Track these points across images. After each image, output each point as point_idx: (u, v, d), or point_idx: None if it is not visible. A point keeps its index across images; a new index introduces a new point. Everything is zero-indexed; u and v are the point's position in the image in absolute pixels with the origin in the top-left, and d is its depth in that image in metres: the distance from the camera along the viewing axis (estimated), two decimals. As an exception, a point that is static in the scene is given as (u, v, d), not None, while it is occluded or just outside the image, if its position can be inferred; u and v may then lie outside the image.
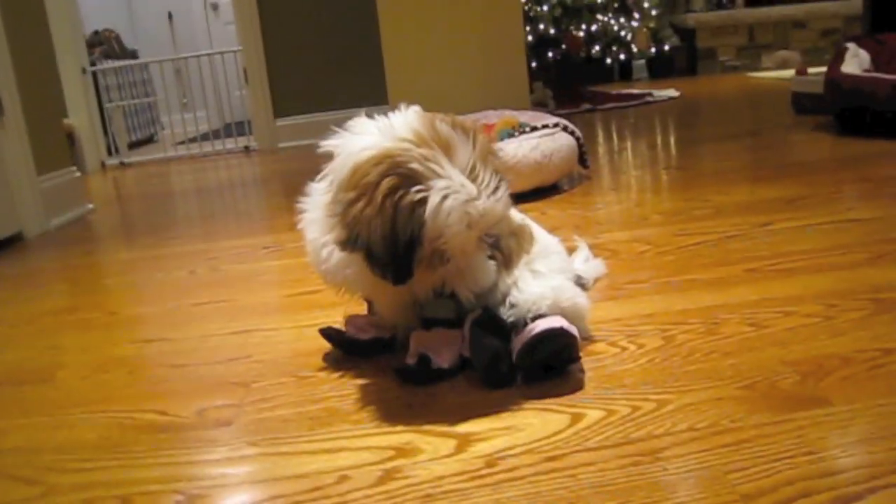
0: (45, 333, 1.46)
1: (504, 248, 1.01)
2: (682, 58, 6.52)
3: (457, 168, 0.89)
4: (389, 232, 0.87)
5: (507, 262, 1.02)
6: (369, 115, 0.99)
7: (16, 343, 1.42)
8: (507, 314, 1.01)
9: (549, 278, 1.04)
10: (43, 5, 2.86)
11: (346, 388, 1.03)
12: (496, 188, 0.91)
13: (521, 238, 1.06)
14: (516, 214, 1.11)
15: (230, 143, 4.64)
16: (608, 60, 5.01)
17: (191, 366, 1.19)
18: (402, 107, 0.98)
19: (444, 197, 0.87)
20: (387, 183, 0.87)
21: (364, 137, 0.94)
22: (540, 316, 0.99)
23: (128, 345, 1.33)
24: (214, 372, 1.16)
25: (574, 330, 0.97)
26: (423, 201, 0.87)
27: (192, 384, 1.12)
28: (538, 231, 1.13)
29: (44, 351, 1.36)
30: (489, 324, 1.01)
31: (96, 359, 1.28)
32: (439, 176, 0.88)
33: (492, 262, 0.99)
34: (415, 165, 0.88)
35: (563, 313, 1.00)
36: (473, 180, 0.90)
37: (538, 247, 1.08)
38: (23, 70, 2.54)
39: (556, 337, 0.95)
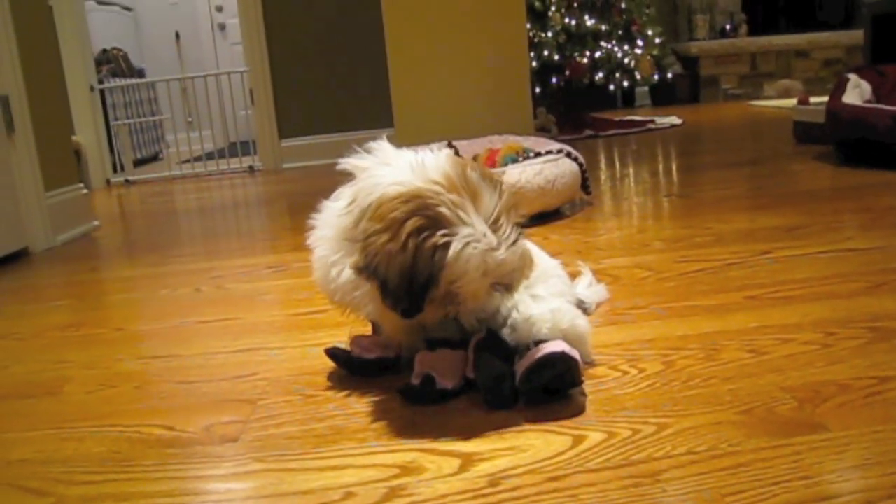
0: (51, 348, 1.48)
1: None
2: (685, 86, 6.58)
3: (481, 217, 0.92)
4: (409, 270, 0.90)
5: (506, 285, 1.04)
6: (390, 139, 1.03)
7: (23, 357, 1.44)
8: (508, 337, 1.03)
9: (548, 301, 1.06)
10: (53, 23, 2.91)
11: (351, 407, 1.05)
12: (515, 240, 0.94)
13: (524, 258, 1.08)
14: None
15: (234, 163, 4.67)
16: (611, 87, 5.04)
17: (197, 382, 1.21)
18: (435, 147, 1.01)
19: (467, 244, 0.91)
20: (413, 222, 0.90)
21: (396, 171, 0.96)
22: (542, 340, 1.01)
23: (134, 361, 1.35)
24: (220, 389, 1.17)
25: (576, 354, 0.99)
26: (446, 246, 0.90)
27: (198, 400, 1.14)
28: (538, 254, 1.15)
29: (51, 365, 1.37)
30: (493, 346, 1.02)
31: (103, 374, 1.29)
32: (464, 223, 0.91)
33: (496, 291, 1.01)
34: (443, 210, 0.91)
35: (564, 336, 1.02)
36: (495, 231, 0.93)
37: (538, 270, 1.10)
38: (33, 87, 2.58)
39: (558, 362, 0.97)
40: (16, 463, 0.98)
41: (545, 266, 1.15)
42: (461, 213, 0.92)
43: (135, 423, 1.07)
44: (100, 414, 1.12)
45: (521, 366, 0.98)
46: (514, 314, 1.04)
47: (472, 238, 0.91)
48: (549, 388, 0.99)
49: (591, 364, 1.12)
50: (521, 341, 1.02)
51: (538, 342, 1.01)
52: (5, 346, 1.52)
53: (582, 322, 1.08)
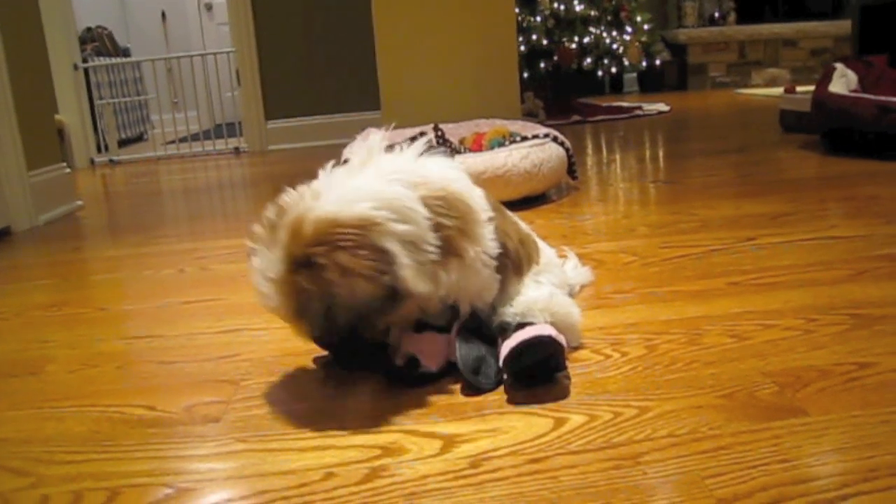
0: (33, 327, 1.47)
1: (513, 253, 1.04)
2: (673, 72, 6.58)
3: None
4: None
5: (516, 268, 1.05)
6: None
7: (5, 336, 1.43)
8: (508, 315, 1.04)
9: (546, 287, 1.08)
10: (36, 0, 2.87)
11: (334, 388, 1.05)
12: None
13: (529, 246, 1.09)
14: (522, 224, 1.14)
15: (220, 144, 4.64)
16: (600, 73, 5.04)
17: (179, 363, 1.21)
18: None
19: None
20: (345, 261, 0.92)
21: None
22: (529, 323, 1.01)
23: (117, 340, 1.34)
24: (203, 369, 1.17)
25: (562, 339, 0.99)
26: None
27: (180, 381, 1.13)
28: (541, 243, 1.17)
29: (32, 344, 1.36)
30: (475, 329, 1.03)
31: (85, 353, 1.29)
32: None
33: (497, 277, 1.02)
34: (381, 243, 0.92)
35: (556, 321, 1.02)
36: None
37: (544, 260, 1.12)
38: (15, 65, 2.55)
39: (544, 345, 0.97)
40: (-5, 441, 0.98)
41: (548, 255, 1.18)
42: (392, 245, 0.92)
43: (116, 402, 1.07)
44: (81, 394, 1.11)
45: (506, 346, 0.98)
46: (519, 296, 1.05)
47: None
48: (534, 371, 0.99)
49: (575, 348, 1.12)
50: (510, 323, 1.03)
51: (525, 324, 1.01)
52: (-14, 325, 1.51)
53: (575, 311, 1.10)
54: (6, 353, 1.33)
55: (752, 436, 0.85)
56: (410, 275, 0.91)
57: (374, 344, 1.02)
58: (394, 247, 0.90)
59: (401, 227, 0.92)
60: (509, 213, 1.14)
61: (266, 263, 0.95)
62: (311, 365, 1.14)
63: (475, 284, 1.01)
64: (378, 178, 0.97)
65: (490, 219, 1.02)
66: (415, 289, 0.91)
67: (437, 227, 0.95)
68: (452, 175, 1.03)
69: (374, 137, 1.05)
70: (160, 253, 2.01)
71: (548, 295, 1.06)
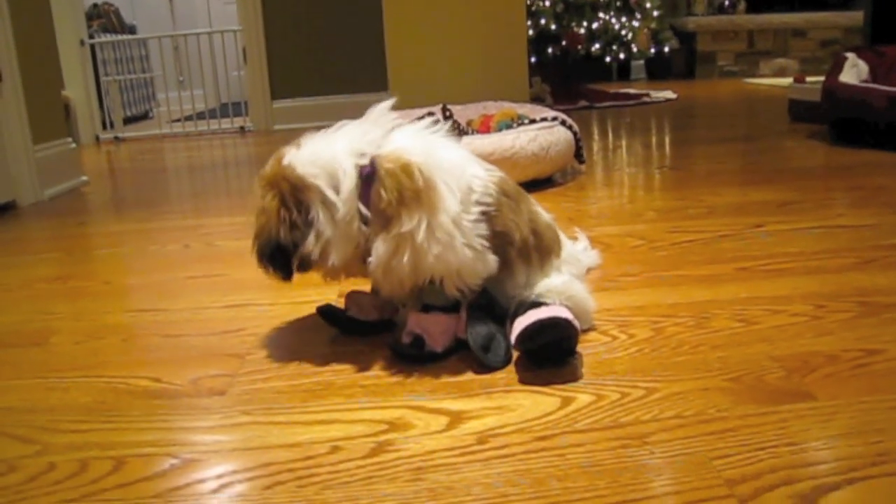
0: (38, 299, 1.46)
1: (518, 242, 1.03)
2: (681, 60, 6.55)
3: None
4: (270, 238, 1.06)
5: (524, 256, 1.04)
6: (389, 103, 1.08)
7: (9, 307, 1.42)
8: (518, 298, 1.05)
9: (565, 275, 1.09)
10: (44, -25, 2.85)
11: (340, 363, 1.05)
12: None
13: (544, 237, 1.08)
14: (544, 214, 1.13)
15: (226, 123, 4.63)
16: (607, 59, 5.01)
17: (184, 336, 1.20)
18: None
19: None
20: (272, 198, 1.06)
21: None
22: (543, 303, 1.00)
23: (121, 314, 1.34)
24: (208, 343, 1.17)
25: (577, 323, 0.98)
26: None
27: (185, 354, 1.13)
28: (562, 237, 1.16)
29: (37, 316, 1.36)
30: (486, 306, 1.02)
31: (90, 326, 1.29)
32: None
33: (492, 257, 1.01)
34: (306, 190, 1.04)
35: (571, 304, 1.02)
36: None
37: (565, 252, 1.13)
38: (22, 39, 2.54)
39: (560, 327, 0.96)
40: (1, 411, 0.98)
41: (570, 248, 1.18)
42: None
43: (121, 374, 1.07)
44: (86, 365, 1.11)
45: (519, 324, 0.97)
46: (540, 284, 1.06)
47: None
48: (546, 351, 0.98)
49: (584, 330, 1.11)
50: (523, 301, 1.03)
51: (540, 303, 1.00)
52: (-9, 296, 1.51)
53: (591, 299, 1.10)
54: (10, 324, 1.33)
55: (759, 419, 0.85)
56: (312, 243, 1.00)
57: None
58: (316, 210, 1.00)
59: (332, 195, 1.00)
60: (532, 201, 1.13)
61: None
62: (317, 339, 1.14)
63: (440, 260, 0.98)
64: (340, 144, 1.03)
65: (479, 202, 1.01)
66: (312, 255, 1.01)
67: (378, 197, 1.00)
68: (418, 148, 1.02)
69: (380, 106, 1.05)
70: (165, 229, 2.01)
71: (565, 281, 1.06)
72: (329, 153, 1.02)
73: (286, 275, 1.05)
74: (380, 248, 0.99)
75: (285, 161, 1.04)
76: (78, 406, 0.98)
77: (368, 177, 0.99)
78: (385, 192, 0.97)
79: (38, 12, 2.76)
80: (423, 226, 0.97)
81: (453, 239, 0.98)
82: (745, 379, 0.95)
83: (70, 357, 1.15)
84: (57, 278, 1.61)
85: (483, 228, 1.00)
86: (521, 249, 1.05)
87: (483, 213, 1.01)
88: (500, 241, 1.03)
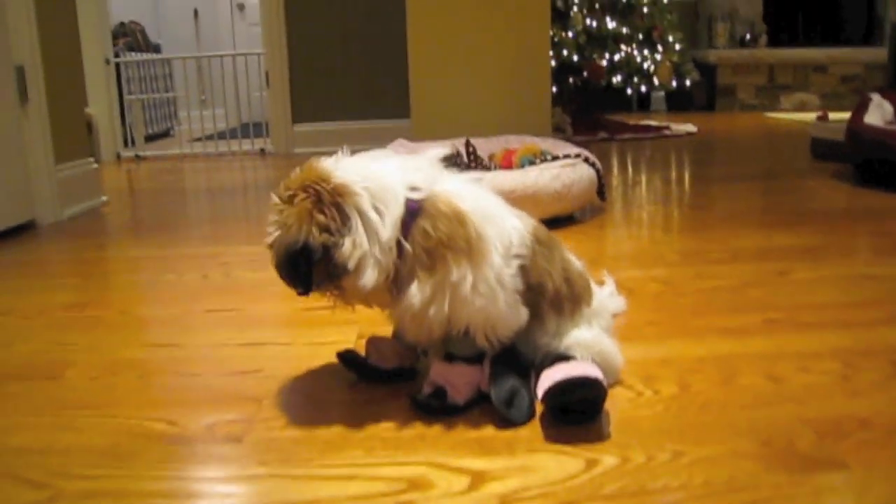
0: (55, 328, 1.45)
1: (551, 293, 1.01)
2: (701, 93, 6.54)
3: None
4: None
5: (556, 307, 1.02)
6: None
7: (26, 336, 1.41)
8: (545, 349, 1.03)
9: (595, 329, 1.06)
10: (73, -6, 2.87)
11: (359, 413, 1.03)
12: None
13: (576, 285, 1.06)
14: (576, 262, 1.11)
15: (246, 145, 4.65)
16: (629, 91, 5.01)
17: (201, 375, 1.19)
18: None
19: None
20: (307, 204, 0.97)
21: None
22: (571, 356, 0.98)
23: (138, 347, 1.33)
24: (225, 384, 1.15)
25: (606, 382, 0.96)
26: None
27: (202, 395, 1.12)
28: (593, 284, 1.14)
29: (53, 346, 1.35)
30: (509, 359, 1.00)
31: (106, 359, 1.27)
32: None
33: (524, 310, 0.99)
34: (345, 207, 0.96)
35: (599, 360, 1.00)
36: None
37: (596, 302, 1.10)
38: (49, 58, 2.55)
39: (590, 386, 0.94)
40: (14, 451, 0.96)
41: (601, 298, 1.15)
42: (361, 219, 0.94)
43: (136, 415, 1.05)
44: (101, 403, 1.10)
45: (547, 377, 0.95)
46: (569, 336, 1.04)
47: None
48: (573, 410, 0.96)
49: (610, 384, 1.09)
50: (549, 355, 1.01)
51: (567, 357, 0.98)
52: (9, 324, 1.50)
53: (619, 356, 1.07)
54: (28, 354, 1.32)
55: (791, 489, 0.82)
56: (349, 249, 0.93)
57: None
58: (355, 219, 0.94)
59: (373, 214, 0.94)
60: (563, 248, 1.11)
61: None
62: (336, 384, 1.12)
63: (480, 312, 0.96)
64: (390, 168, 0.99)
65: (517, 255, 0.99)
66: (346, 263, 0.93)
67: (423, 235, 0.95)
68: (469, 195, 1.00)
69: (433, 151, 1.03)
70: (183, 256, 2.00)
71: (595, 334, 1.04)
72: (380, 173, 0.97)
73: (305, 286, 0.97)
74: (416, 292, 0.95)
75: (323, 166, 0.98)
76: (92, 448, 0.96)
77: (414, 212, 0.96)
78: (433, 231, 0.94)
79: (66, 32, 2.78)
80: (470, 278, 0.94)
81: (495, 293, 0.96)
82: (775, 443, 0.92)
83: (85, 393, 1.14)
84: (74, 305, 1.60)
85: (519, 282, 0.98)
86: (553, 300, 1.02)
87: (520, 265, 0.99)
88: (533, 292, 1.01)
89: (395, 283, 0.98)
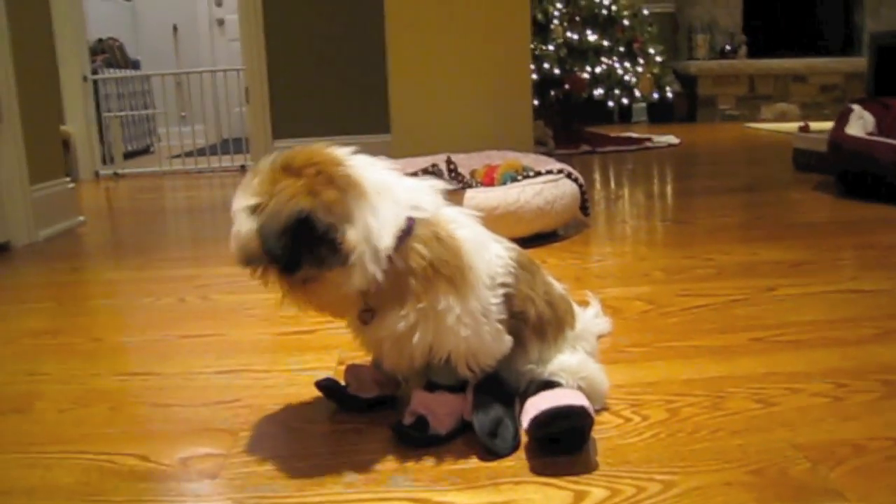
0: (25, 357, 1.41)
1: (534, 319, 0.98)
2: (682, 104, 6.55)
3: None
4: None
5: (539, 332, 1.00)
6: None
7: (-6, 365, 1.37)
8: (529, 375, 1.00)
9: (580, 353, 1.03)
10: (49, 10, 2.83)
11: (338, 444, 0.99)
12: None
13: (558, 309, 1.03)
14: (557, 285, 1.08)
15: (226, 161, 4.60)
16: (610, 103, 5.00)
17: (175, 406, 1.15)
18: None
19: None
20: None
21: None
22: (556, 383, 0.96)
23: (111, 377, 1.29)
24: (200, 415, 1.11)
25: (592, 410, 0.93)
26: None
27: (176, 427, 1.08)
28: (577, 308, 1.12)
29: (22, 377, 1.31)
30: (492, 388, 0.97)
31: (77, 390, 1.23)
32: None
33: (508, 338, 0.96)
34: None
35: (584, 386, 0.97)
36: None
37: (580, 326, 1.07)
38: (24, 76, 2.50)
39: (576, 416, 0.91)
40: (-24, 491, 0.92)
41: (584, 321, 1.12)
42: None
43: (107, 450, 1.01)
44: (70, 437, 1.06)
45: (532, 406, 0.92)
46: (554, 362, 1.01)
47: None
48: (559, 439, 0.93)
49: (596, 410, 1.06)
50: (533, 382, 0.98)
51: (552, 384, 0.95)
52: (-23, 352, 1.45)
53: (605, 380, 1.04)
54: (-5, 385, 1.28)
55: (785, 521, 0.79)
56: (353, 241, 0.87)
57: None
58: (360, 216, 0.89)
59: (372, 220, 0.89)
60: (544, 271, 1.08)
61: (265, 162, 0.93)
62: (315, 414, 1.09)
63: (464, 342, 0.93)
64: (398, 180, 0.95)
65: (502, 284, 0.96)
66: (349, 254, 0.87)
67: (416, 256, 0.91)
68: (464, 224, 0.97)
69: (437, 182, 0.99)
70: (161, 279, 1.96)
71: (580, 360, 1.01)
72: (389, 181, 0.94)
73: (292, 261, 0.87)
74: (398, 319, 0.92)
75: (335, 151, 0.93)
76: (59, 487, 0.92)
77: (408, 230, 0.92)
78: (427, 253, 0.91)
79: (42, 51, 2.73)
80: (456, 308, 0.91)
81: (479, 325, 0.93)
82: (768, 472, 0.89)
83: (54, 427, 1.10)
84: (46, 332, 1.55)
85: (503, 310, 0.96)
86: (536, 326, 1.00)
87: (504, 293, 0.96)
88: (516, 319, 0.98)
89: (367, 299, 0.94)
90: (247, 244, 0.89)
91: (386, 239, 0.89)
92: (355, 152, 0.95)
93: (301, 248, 0.87)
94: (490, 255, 0.96)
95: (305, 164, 0.90)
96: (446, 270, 0.91)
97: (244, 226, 0.89)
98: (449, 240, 0.93)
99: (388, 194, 0.92)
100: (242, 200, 0.90)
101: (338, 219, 0.87)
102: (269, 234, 0.86)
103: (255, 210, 0.89)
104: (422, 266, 0.91)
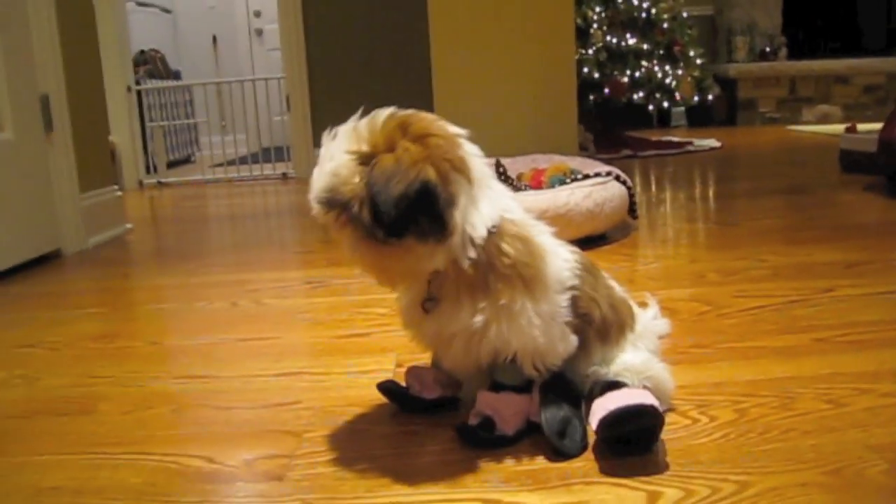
0: (85, 360, 1.42)
1: (598, 321, 0.97)
2: (722, 107, 6.48)
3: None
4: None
5: (602, 335, 0.99)
6: None
7: (55, 369, 1.38)
8: (594, 377, 0.99)
9: (643, 352, 1.01)
10: (94, 23, 2.87)
11: (403, 446, 0.99)
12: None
13: (621, 312, 1.02)
14: (617, 287, 1.07)
15: (268, 169, 4.64)
16: (650, 107, 4.96)
17: (237, 409, 1.15)
18: None
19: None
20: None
21: None
22: (622, 384, 0.94)
23: (170, 380, 1.29)
24: (262, 417, 1.11)
25: (661, 410, 0.92)
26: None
27: (238, 429, 1.08)
28: (635, 307, 1.10)
29: (84, 380, 1.32)
30: (560, 388, 0.96)
31: (138, 393, 1.24)
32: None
33: (573, 338, 0.95)
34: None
35: (650, 386, 0.96)
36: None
37: (640, 325, 1.06)
38: (73, 87, 2.55)
39: (646, 415, 0.90)
40: (48, 490, 0.93)
41: (645, 321, 1.11)
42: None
43: (172, 451, 1.02)
44: (135, 439, 1.06)
45: (600, 407, 0.91)
46: (618, 362, 1.00)
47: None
48: (629, 439, 0.92)
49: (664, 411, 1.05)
50: (598, 383, 0.97)
51: (618, 385, 0.94)
52: (38, 356, 1.47)
53: (670, 379, 1.03)
54: (58, 388, 1.29)
55: (868, 523, 0.77)
56: (460, 218, 0.88)
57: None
58: (466, 198, 0.89)
59: (472, 208, 0.89)
60: (604, 275, 1.07)
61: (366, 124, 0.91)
62: (377, 415, 1.08)
63: (532, 342, 0.92)
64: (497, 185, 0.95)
65: (571, 287, 0.96)
66: (454, 229, 0.87)
67: (500, 254, 0.91)
68: (540, 228, 0.98)
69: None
70: (211, 283, 1.97)
71: (644, 359, 0.99)
72: (488, 176, 0.94)
73: (398, 229, 0.85)
74: (473, 314, 0.91)
75: (452, 130, 0.92)
76: (127, 488, 0.92)
77: (496, 227, 0.92)
78: (512, 252, 0.91)
79: (89, 61, 2.78)
80: (529, 308, 0.91)
81: (549, 326, 0.92)
82: (844, 473, 0.87)
83: (119, 429, 1.10)
84: (103, 336, 1.57)
85: (569, 312, 0.95)
86: (600, 327, 0.99)
87: (570, 296, 0.95)
88: (581, 321, 0.97)
89: (433, 288, 0.94)
90: (340, 187, 0.87)
91: (480, 230, 0.89)
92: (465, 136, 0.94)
93: (413, 217, 0.85)
94: (560, 261, 0.96)
95: (425, 134, 0.89)
96: (526, 272, 0.91)
97: (344, 169, 0.88)
98: (532, 243, 0.93)
99: (487, 188, 0.92)
100: (347, 143, 0.89)
101: (451, 196, 0.87)
102: (387, 194, 0.84)
103: (363, 158, 0.87)
104: (505, 264, 0.91)
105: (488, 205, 0.91)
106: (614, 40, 4.74)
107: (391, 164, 0.85)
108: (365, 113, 0.93)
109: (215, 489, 0.91)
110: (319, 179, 0.90)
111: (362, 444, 1.00)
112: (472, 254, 0.89)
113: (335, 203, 0.88)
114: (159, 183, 4.54)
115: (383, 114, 0.91)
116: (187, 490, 0.91)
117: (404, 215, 0.84)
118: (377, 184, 0.85)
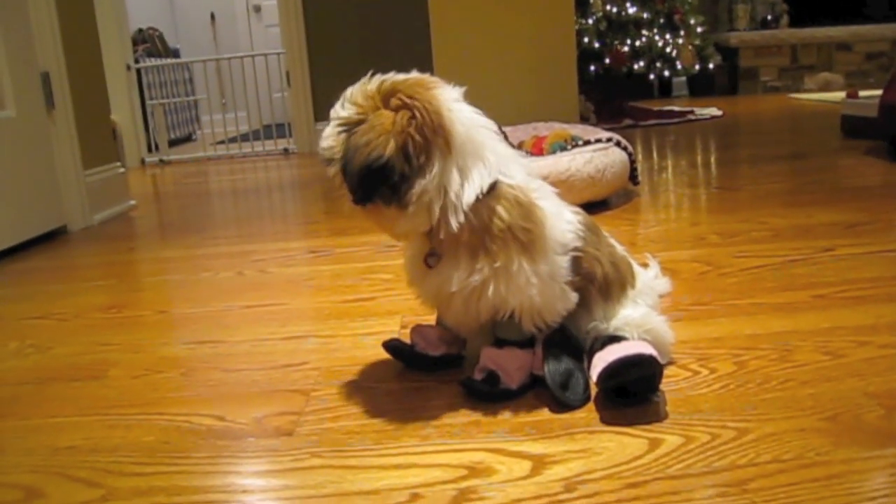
0: (94, 329, 1.45)
1: (600, 279, 0.99)
2: (724, 76, 6.46)
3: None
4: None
5: (604, 292, 1.00)
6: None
7: (66, 338, 1.41)
8: (594, 332, 1.01)
9: (642, 307, 1.04)
10: (91, 1, 2.87)
11: (409, 401, 1.01)
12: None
13: (622, 270, 1.04)
14: (618, 246, 1.09)
15: (269, 145, 4.64)
16: (651, 76, 4.95)
17: (246, 370, 1.17)
18: None
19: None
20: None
21: None
22: (622, 337, 0.96)
23: (179, 345, 1.32)
24: (270, 378, 1.13)
25: (661, 359, 0.94)
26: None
27: (248, 390, 1.10)
28: (636, 266, 1.12)
29: (94, 347, 1.34)
30: (562, 342, 0.98)
31: (148, 358, 1.26)
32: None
33: (573, 295, 0.97)
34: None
35: (650, 338, 0.98)
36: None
37: (640, 283, 1.08)
38: (73, 64, 2.55)
39: (645, 364, 0.92)
40: (64, 450, 0.95)
41: (645, 279, 1.12)
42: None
43: (183, 411, 1.04)
44: (147, 401, 1.09)
45: (600, 360, 0.93)
46: (618, 317, 1.01)
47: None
48: (629, 389, 0.94)
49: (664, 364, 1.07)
50: (600, 336, 0.99)
51: (618, 337, 0.96)
52: (48, 326, 1.49)
53: (669, 332, 1.04)
54: (68, 356, 1.31)
55: (864, 463, 0.79)
56: (417, 193, 0.90)
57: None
58: (436, 167, 0.90)
59: (455, 174, 0.91)
60: (605, 234, 1.09)
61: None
62: (383, 373, 1.10)
63: (529, 300, 0.94)
64: (495, 143, 0.96)
65: (574, 248, 0.97)
66: (409, 204, 0.91)
67: (495, 216, 0.93)
68: (542, 191, 0.99)
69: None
70: (215, 255, 1.99)
71: (643, 313, 1.01)
72: (483, 140, 0.94)
73: (365, 197, 0.92)
74: (470, 273, 0.93)
75: (440, 95, 0.93)
76: (141, 446, 0.95)
77: (490, 190, 0.93)
78: (507, 216, 0.92)
79: (88, 38, 2.78)
80: (527, 269, 0.92)
81: (547, 286, 0.94)
82: (842, 418, 0.89)
83: (130, 392, 1.13)
84: (111, 307, 1.59)
85: (570, 272, 0.96)
86: (602, 285, 1.00)
87: (573, 256, 0.97)
88: (583, 280, 0.99)
89: (434, 244, 0.96)
90: (327, 150, 0.95)
91: (468, 195, 0.91)
92: (460, 99, 0.96)
93: (374, 186, 0.90)
94: (563, 223, 0.97)
95: (407, 103, 0.91)
96: (523, 236, 0.93)
97: (331, 135, 0.94)
98: (529, 206, 0.94)
99: (478, 153, 0.93)
100: (339, 109, 0.94)
101: (414, 168, 0.89)
102: (351, 165, 0.90)
103: (344, 124, 0.93)
104: (500, 228, 0.92)
105: (479, 169, 0.92)
106: (614, 9, 4.72)
107: (359, 136, 0.90)
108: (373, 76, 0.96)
109: (227, 445, 0.93)
110: (321, 140, 0.96)
111: (369, 400, 1.02)
112: (461, 218, 0.91)
113: (327, 163, 0.95)
114: (161, 161, 4.55)
115: (375, 80, 0.94)
116: (200, 446, 0.93)
117: (365, 185, 0.90)
118: (346, 154, 0.91)
